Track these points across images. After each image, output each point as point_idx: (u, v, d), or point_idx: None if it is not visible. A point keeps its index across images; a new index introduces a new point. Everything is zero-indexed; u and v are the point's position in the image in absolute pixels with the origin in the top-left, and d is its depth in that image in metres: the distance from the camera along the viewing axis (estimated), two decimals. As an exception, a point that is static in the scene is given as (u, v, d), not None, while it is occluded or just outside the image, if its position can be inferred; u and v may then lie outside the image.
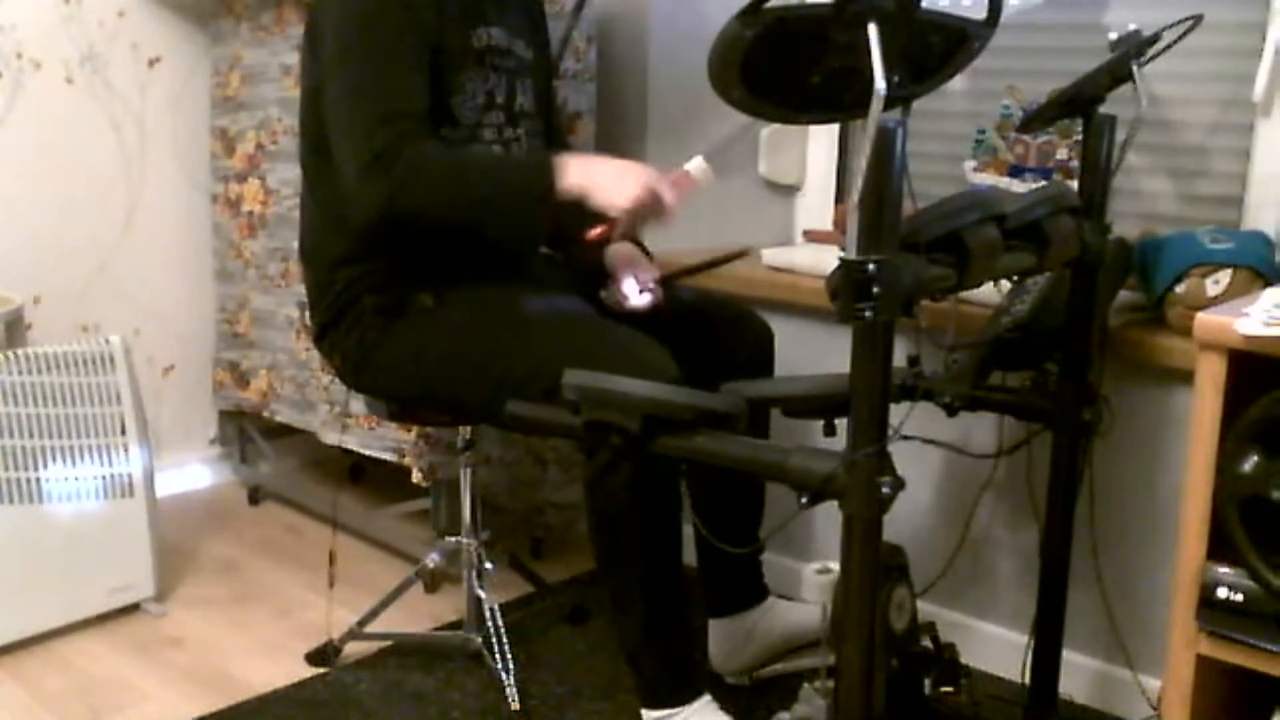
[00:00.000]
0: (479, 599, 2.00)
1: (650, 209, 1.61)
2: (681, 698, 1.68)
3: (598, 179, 1.59)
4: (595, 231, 1.64)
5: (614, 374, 1.37)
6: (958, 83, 1.79)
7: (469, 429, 1.98)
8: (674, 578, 1.67)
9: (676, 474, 1.65)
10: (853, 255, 1.11)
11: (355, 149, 1.61)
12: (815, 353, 2.17)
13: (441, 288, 1.75)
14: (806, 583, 2.21)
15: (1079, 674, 1.92)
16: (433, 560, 2.14)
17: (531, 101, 1.88)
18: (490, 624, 1.96)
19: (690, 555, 1.76)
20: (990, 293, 1.74)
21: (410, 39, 1.66)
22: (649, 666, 1.69)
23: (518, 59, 1.84)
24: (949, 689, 1.55)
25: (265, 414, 2.67)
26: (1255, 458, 1.29)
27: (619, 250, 1.87)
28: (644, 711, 1.70)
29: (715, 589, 1.94)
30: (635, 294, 1.80)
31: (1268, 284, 1.63)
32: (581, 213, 1.61)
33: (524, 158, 1.76)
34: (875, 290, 1.11)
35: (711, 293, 1.98)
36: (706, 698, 1.69)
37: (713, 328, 1.86)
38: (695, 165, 1.72)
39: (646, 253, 1.92)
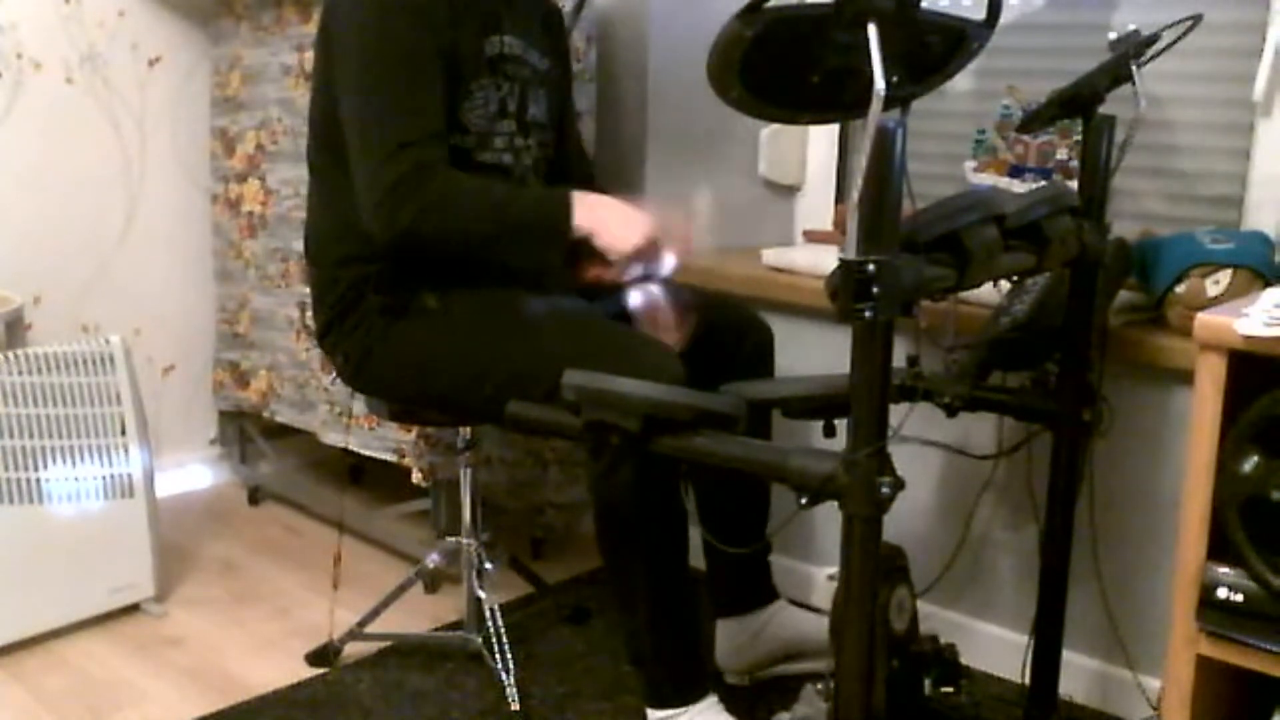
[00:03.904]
0: (479, 599, 2.00)
1: (650, 256, 1.64)
2: (687, 698, 1.68)
3: (605, 221, 1.62)
4: (594, 272, 1.67)
5: (619, 375, 1.37)
6: (958, 83, 1.79)
7: (469, 429, 1.98)
8: (680, 577, 1.67)
9: (678, 474, 1.65)
10: (852, 255, 1.11)
11: (373, 175, 1.62)
12: (815, 353, 2.17)
13: (446, 289, 1.75)
14: (819, 589, 2.22)
15: (1079, 674, 1.92)
16: (433, 560, 2.14)
17: (544, 112, 1.87)
18: (490, 624, 1.96)
19: (698, 556, 1.76)
20: (990, 293, 1.75)
21: (425, 54, 1.66)
22: (654, 666, 1.69)
23: (532, 68, 1.84)
24: (949, 689, 1.55)
25: (265, 414, 2.67)
26: (1255, 458, 1.29)
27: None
28: (649, 711, 1.70)
29: (722, 589, 1.94)
30: (667, 265, 1.76)
31: (1268, 284, 1.63)
32: (585, 249, 1.64)
33: (539, 194, 1.77)
34: (875, 290, 1.11)
35: (713, 294, 1.98)
36: (713, 698, 1.69)
37: (714, 330, 1.86)
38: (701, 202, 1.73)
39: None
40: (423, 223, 1.61)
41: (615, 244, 1.61)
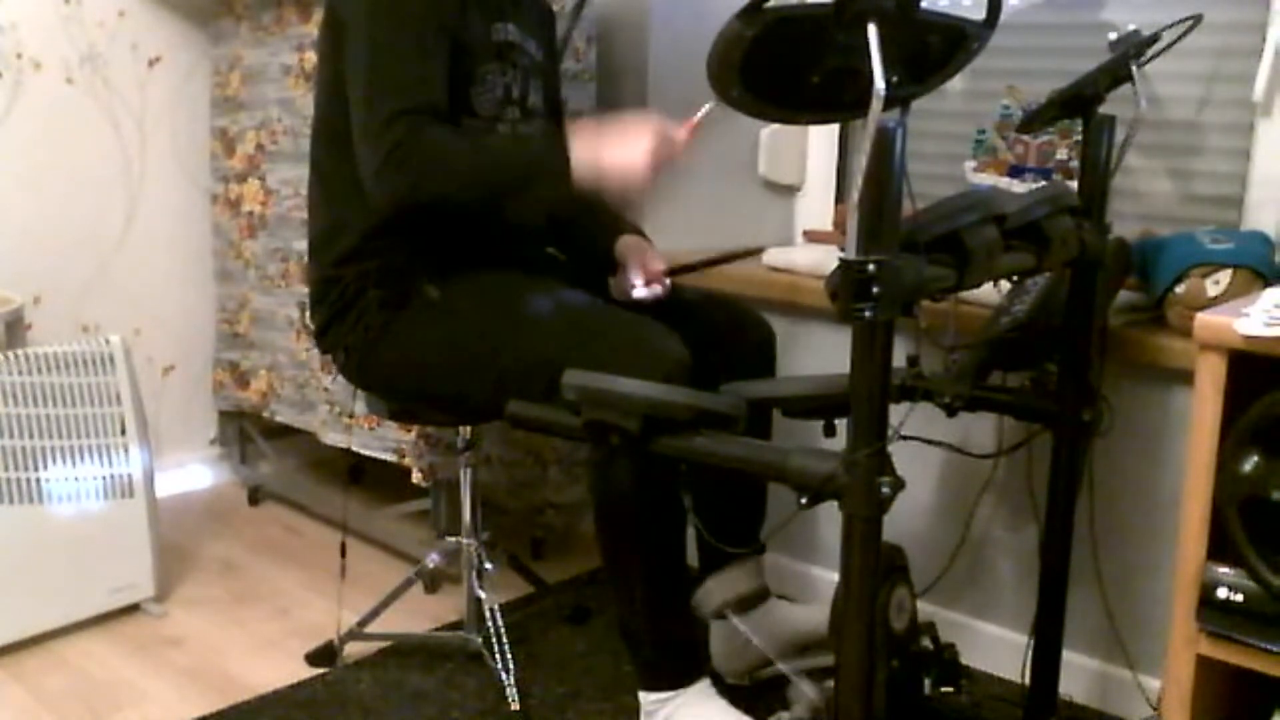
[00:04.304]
0: (479, 599, 2.00)
1: (667, 155, 1.62)
2: (679, 682, 1.69)
3: (606, 145, 1.60)
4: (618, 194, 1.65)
5: (622, 362, 1.37)
6: (958, 83, 1.80)
7: (469, 429, 1.98)
8: (677, 567, 1.68)
9: (677, 472, 1.65)
10: (853, 255, 1.11)
11: (374, 141, 1.62)
12: (815, 353, 2.17)
13: (447, 281, 1.76)
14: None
15: (1079, 674, 1.92)
16: (433, 560, 2.14)
17: (541, 101, 1.89)
18: (490, 624, 1.96)
19: (693, 558, 1.76)
20: (990, 293, 1.74)
21: (433, 29, 1.67)
22: (648, 650, 1.70)
23: (530, 57, 1.85)
24: (949, 689, 1.55)
25: (265, 414, 2.67)
26: (1255, 458, 1.29)
27: (627, 242, 1.89)
28: (642, 694, 1.71)
29: None
30: (641, 285, 1.82)
31: (1268, 284, 1.63)
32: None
33: (533, 136, 1.80)
34: (875, 290, 1.11)
35: (714, 293, 1.99)
36: (705, 682, 1.70)
37: (715, 329, 1.86)
38: (703, 112, 1.72)
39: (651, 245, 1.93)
40: (422, 183, 1.60)
41: (628, 166, 1.59)
